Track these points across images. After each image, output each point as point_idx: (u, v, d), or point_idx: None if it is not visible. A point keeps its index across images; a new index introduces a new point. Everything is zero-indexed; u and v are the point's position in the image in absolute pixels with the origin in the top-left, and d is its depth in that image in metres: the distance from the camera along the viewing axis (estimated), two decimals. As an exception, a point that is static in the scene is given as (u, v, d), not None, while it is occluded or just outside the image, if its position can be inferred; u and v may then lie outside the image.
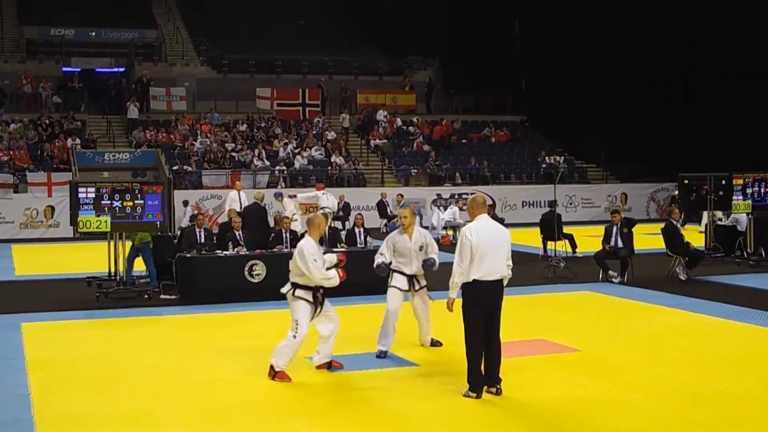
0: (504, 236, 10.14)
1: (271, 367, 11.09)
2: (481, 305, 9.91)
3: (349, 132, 41.62)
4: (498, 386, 10.00)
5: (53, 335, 14.39)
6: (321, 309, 11.24)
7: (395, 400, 10.13)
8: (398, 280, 12.33)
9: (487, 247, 9.85)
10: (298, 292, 11.14)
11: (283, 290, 11.27)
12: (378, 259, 12.43)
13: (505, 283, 10.08)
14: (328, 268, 11.27)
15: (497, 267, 9.90)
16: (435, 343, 12.80)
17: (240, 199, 27.76)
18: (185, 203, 30.03)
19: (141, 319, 15.75)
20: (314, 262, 11.01)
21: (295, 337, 11.04)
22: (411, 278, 12.33)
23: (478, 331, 9.91)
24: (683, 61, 39.25)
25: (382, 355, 12.15)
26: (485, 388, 9.98)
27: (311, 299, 11.14)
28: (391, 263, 12.34)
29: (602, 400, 10.05)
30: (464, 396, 9.90)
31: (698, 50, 37.84)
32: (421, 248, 12.23)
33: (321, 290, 11.23)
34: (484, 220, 10.11)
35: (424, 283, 12.53)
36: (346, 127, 41.48)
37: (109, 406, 9.93)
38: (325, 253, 11.95)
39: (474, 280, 9.85)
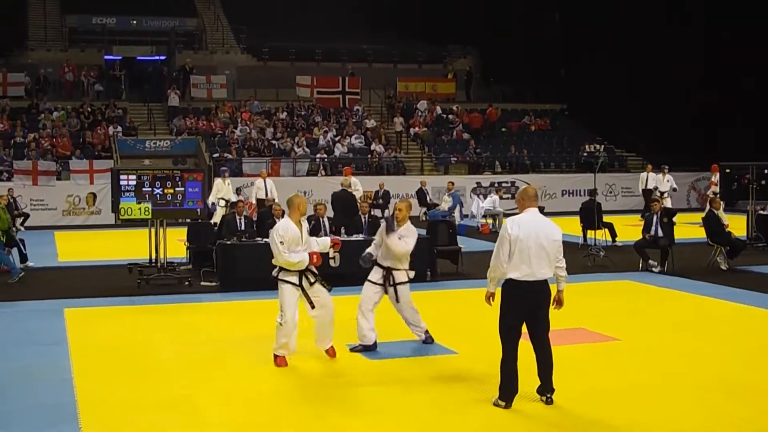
0: (552, 233, 9.23)
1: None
2: (518, 309, 9.15)
3: (402, 136, 41.05)
4: (549, 395, 9.32)
5: (95, 321, 14.53)
6: (310, 292, 11.13)
7: (431, 389, 10.13)
8: (374, 274, 12.06)
9: (529, 243, 9.04)
10: (282, 275, 11.07)
11: (273, 273, 11.20)
12: (369, 250, 12.16)
13: (561, 286, 9.39)
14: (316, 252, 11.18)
15: (539, 267, 9.08)
16: (427, 340, 12.31)
17: (266, 187, 27.84)
18: (238, 191, 29.68)
19: (181, 306, 15.87)
20: (280, 244, 10.86)
21: (281, 324, 10.96)
22: (387, 271, 12.01)
23: (513, 337, 9.20)
24: (725, 49, 38.88)
25: (367, 348, 11.86)
26: (539, 397, 9.41)
27: (296, 282, 11.05)
28: (375, 258, 12.01)
29: (641, 390, 9.99)
30: (494, 405, 9.26)
31: (740, 38, 37.47)
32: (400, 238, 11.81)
33: (309, 272, 11.12)
34: (532, 213, 9.28)
35: (400, 279, 11.99)
36: (399, 131, 41.09)
37: (150, 392, 10.03)
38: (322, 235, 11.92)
39: (510, 279, 9.10)
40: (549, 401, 9.32)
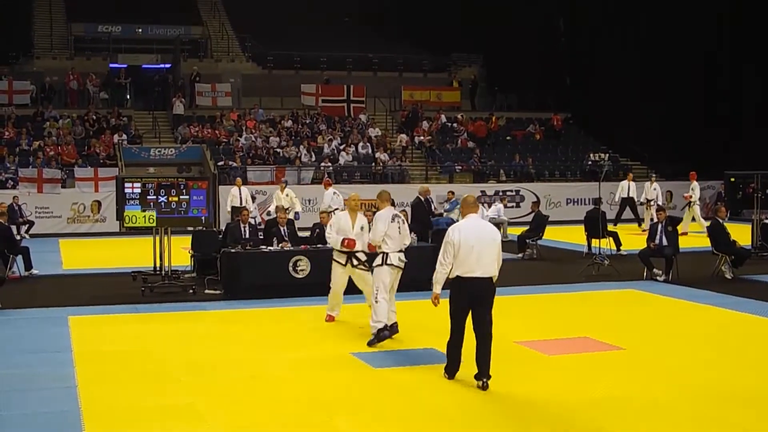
0: (491, 235, 10.50)
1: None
2: (464, 297, 10.31)
3: (406, 151, 40.56)
4: (485, 380, 10.26)
5: (99, 329, 14.52)
6: (355, 272, 14.05)
7: (433, 397, 10.13)
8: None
9: (471, 244, 10.24)
10: (334, 255, 14.19)
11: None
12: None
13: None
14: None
15: (482, 265, 10.26)
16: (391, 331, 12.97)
17: (240, 195, 27.72)
18: (253, 199, 29.46)
19: (185, 314, 15.86)
20: (329, 227, 14.28)
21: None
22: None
23: (459, 325, 10.45)
24: (729, 58, 38.89)
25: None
26: (476, 383, 10.34)
27: (343, 263, 14.09)
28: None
29: (645, 399, 9.98)
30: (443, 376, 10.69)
31: (746, 47, 37.49)
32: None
33: (354, 257, 13.97)
34: (471, 219, 10.58)
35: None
36: (405, 146, 40.77)
37: (154, 400, 10.04)
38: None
39: (457, 276, 10.32)
40: (485, 386, 10.23)
